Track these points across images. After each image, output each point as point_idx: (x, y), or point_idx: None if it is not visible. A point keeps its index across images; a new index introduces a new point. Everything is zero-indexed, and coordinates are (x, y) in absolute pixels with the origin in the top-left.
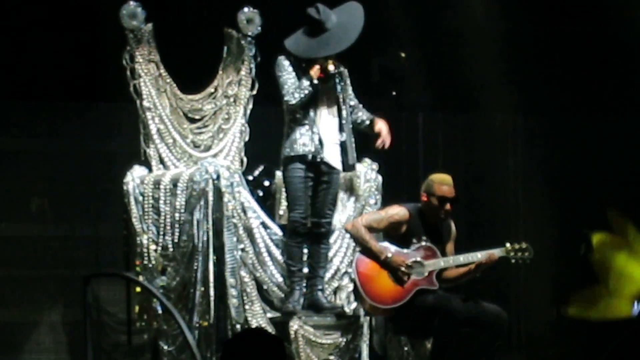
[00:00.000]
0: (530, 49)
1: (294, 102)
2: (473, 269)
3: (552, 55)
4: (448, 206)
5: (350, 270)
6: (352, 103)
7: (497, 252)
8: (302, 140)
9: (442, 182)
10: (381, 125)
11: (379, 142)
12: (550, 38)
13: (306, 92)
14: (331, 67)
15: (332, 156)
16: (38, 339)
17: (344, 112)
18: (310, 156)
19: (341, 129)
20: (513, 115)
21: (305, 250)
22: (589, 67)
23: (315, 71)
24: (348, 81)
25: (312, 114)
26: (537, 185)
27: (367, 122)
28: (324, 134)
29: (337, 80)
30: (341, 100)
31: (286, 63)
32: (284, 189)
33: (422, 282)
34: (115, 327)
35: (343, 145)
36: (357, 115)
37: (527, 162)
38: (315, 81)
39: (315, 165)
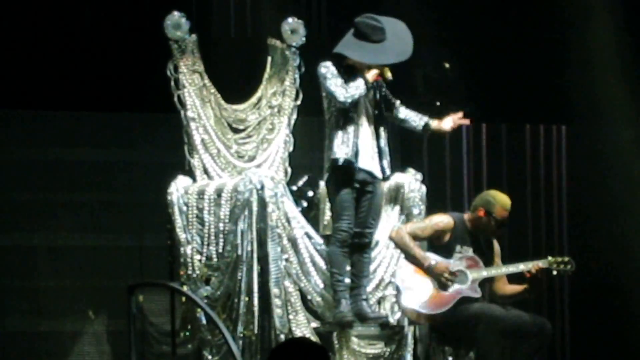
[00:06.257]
0: (577, 58)
1: (343, 99)
2: (528, 288)
3: (593, 64)
4: (501, 230)
5: (394, 280)
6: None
7: (539, 264)
8: (341, 148)
9: (504, 205)
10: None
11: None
12: (599, 47)
13: (359, 91)
14: (389, 75)
15: (374, 165)
16: (82, 349)
17: (387, 125)
18: (349, 163)
19: (379, 139)
20: (557, 125)
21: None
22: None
23: (372, 75)
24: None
25: (352, 121)
26: (583, 197)
27: (422, 125)
28: (362, 142)
29: (381, 91)
30: (382, 109)
31: (332, 66)
32: (327, 200)
33: (465, 291)
34: (159, 337)
35: (381, 154)
36: (404, 113)
37: (571, 173)
38: (370, 84)
39: (359, 175)
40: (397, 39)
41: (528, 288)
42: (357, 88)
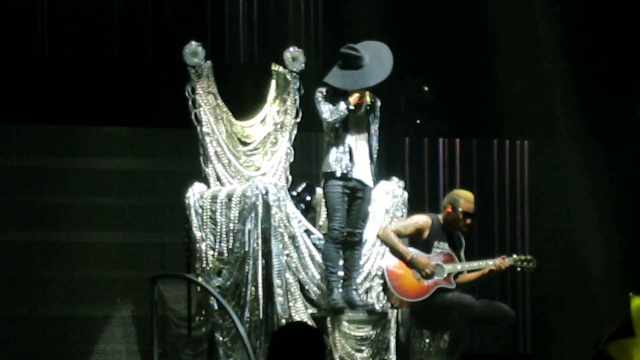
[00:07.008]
0: (538, 82)
1: (330, 120)
2: (486, 273)
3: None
4: (469, 220)
5: (379, 273)
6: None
7: (506, 261)
8: (336, 160)
9: (467, 198)
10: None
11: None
12: (558, 73)
13: (341, 113)
14: (367, 99)
15: (364, 174)
16: (111, 330)
17: (372, 139)
18: (341, 173)
19: (370, 154)
20: (520, 140)
21: (341, 256)
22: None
23: (354, 98)
24: (378, 113)
25: (345, 137)
26: (542, 203)
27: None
28: (355, 154)
29: (370, 111)
30: (372, 129)
31: (324, 92)
32: (323, 203)
33: (441, 282)
34: (178, 322)
35: (371, 167)
36: None
37: (536, 184)
38: (351, 107)
39: (350, 182)
40: (377, 63)
41: (486, 274)
42: (339, 111)
